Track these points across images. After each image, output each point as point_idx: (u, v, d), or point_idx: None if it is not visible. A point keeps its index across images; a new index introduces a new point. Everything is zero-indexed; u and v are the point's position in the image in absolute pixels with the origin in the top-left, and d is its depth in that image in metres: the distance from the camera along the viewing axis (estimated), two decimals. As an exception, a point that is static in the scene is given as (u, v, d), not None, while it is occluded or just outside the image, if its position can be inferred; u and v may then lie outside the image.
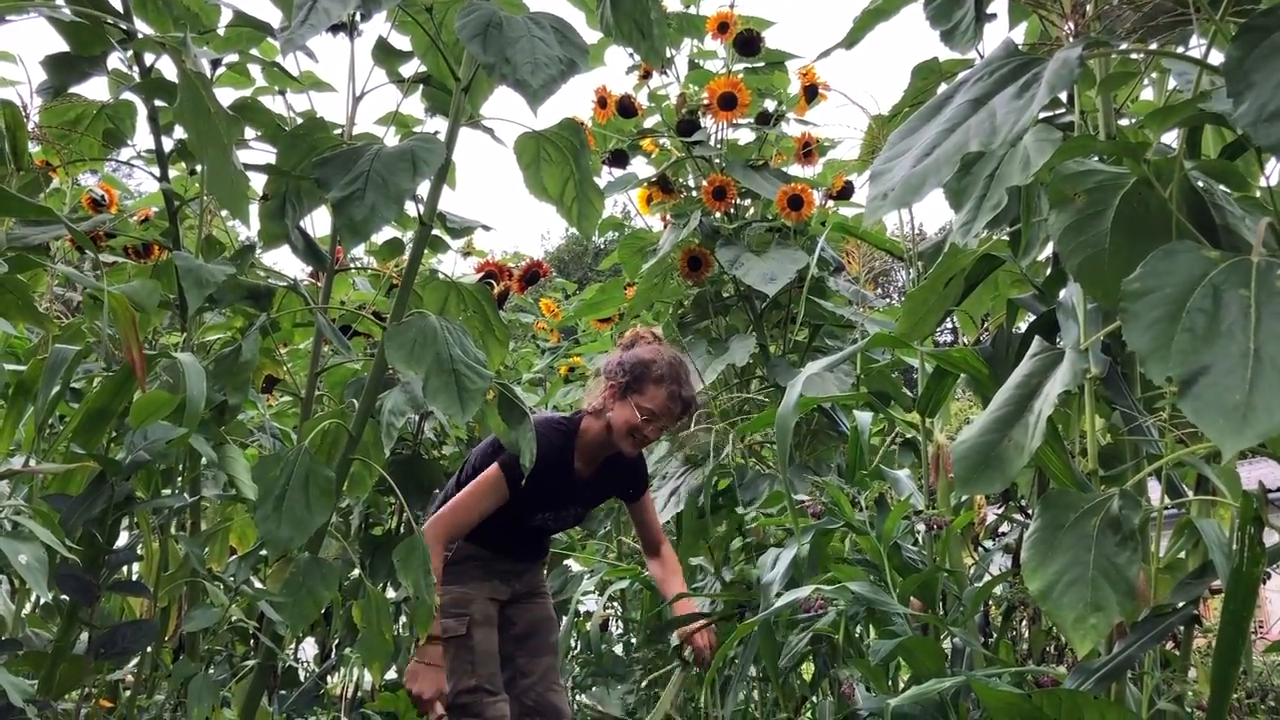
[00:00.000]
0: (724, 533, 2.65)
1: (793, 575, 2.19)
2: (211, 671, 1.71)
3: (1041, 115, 1.85)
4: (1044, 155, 1.69)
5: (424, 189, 2.11)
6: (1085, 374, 1.31)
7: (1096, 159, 1.53)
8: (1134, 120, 2.30)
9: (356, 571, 4.31)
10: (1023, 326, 2.07)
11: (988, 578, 2.17)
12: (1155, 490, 1.82)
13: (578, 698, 3.97)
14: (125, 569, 1.56)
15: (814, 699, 2.81)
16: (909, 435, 2.97)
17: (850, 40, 2.04)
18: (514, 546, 2.80)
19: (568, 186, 2.24)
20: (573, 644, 4.55)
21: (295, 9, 1.81)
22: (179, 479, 1.84)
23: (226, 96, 2.36)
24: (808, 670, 2.71)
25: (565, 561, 4.44)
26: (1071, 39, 1.68)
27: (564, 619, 4.73)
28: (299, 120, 2.52)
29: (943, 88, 2.40)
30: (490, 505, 2.60)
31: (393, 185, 1.78)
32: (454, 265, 5.01)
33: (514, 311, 5.85)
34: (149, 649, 1.63)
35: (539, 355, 5.93)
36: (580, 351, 4.90)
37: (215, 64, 2.03)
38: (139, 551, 1.71)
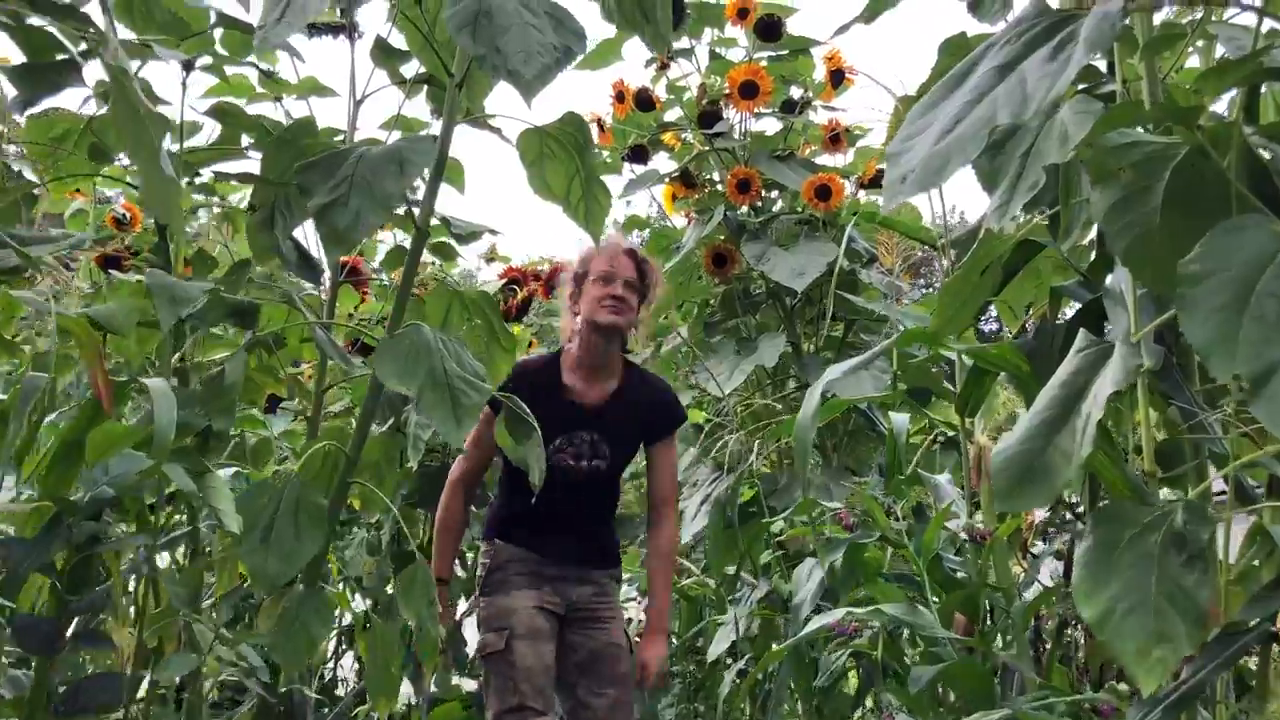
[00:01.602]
0: (753, 544, 2.50)
1: (829, 587, 2.05)
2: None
3: (1080, 86, 1.69)
4: (1084, 128, 1.53)
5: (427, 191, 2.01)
6: (1138, 370, 1.16)
7: (1142, 130, 1.38)
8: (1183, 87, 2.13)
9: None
10: (1069, 314, 1.92)
11: (1037, 587, 2.02)
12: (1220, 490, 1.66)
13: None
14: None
15: (858, 715, 2.67)
16: (950, 434, 2.81)
17: (870, 13, 1.89)
18: (555, 516, 2.58)
19: (573, 184, 2.11)
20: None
21: (271, 5, 1.70)
22: (167, 511, 1.74)
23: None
24: (851, 683, 2.56)
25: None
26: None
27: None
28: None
29: (971, 59, 2.24)
30: (482, 430, 2.56)
31: (379, 189, 1.66)
32: (479, 270, 4.91)
33: (544, 316, 5.73)
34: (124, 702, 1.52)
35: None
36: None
37: (188, 66, 1.92)
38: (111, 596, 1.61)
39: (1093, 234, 2.06)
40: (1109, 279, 1.72)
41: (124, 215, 2.68)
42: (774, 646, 2.88)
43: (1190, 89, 1.57)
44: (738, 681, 2.72)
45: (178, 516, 2.00)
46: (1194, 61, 2.43)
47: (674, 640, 3.61)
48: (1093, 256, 1.94)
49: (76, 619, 1.38)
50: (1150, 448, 1.47)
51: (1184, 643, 1.05)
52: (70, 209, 2.62)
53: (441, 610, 2.58)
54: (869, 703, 2.37)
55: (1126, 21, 1.01)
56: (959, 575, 1.90)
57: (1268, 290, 0.92)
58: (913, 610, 1.53)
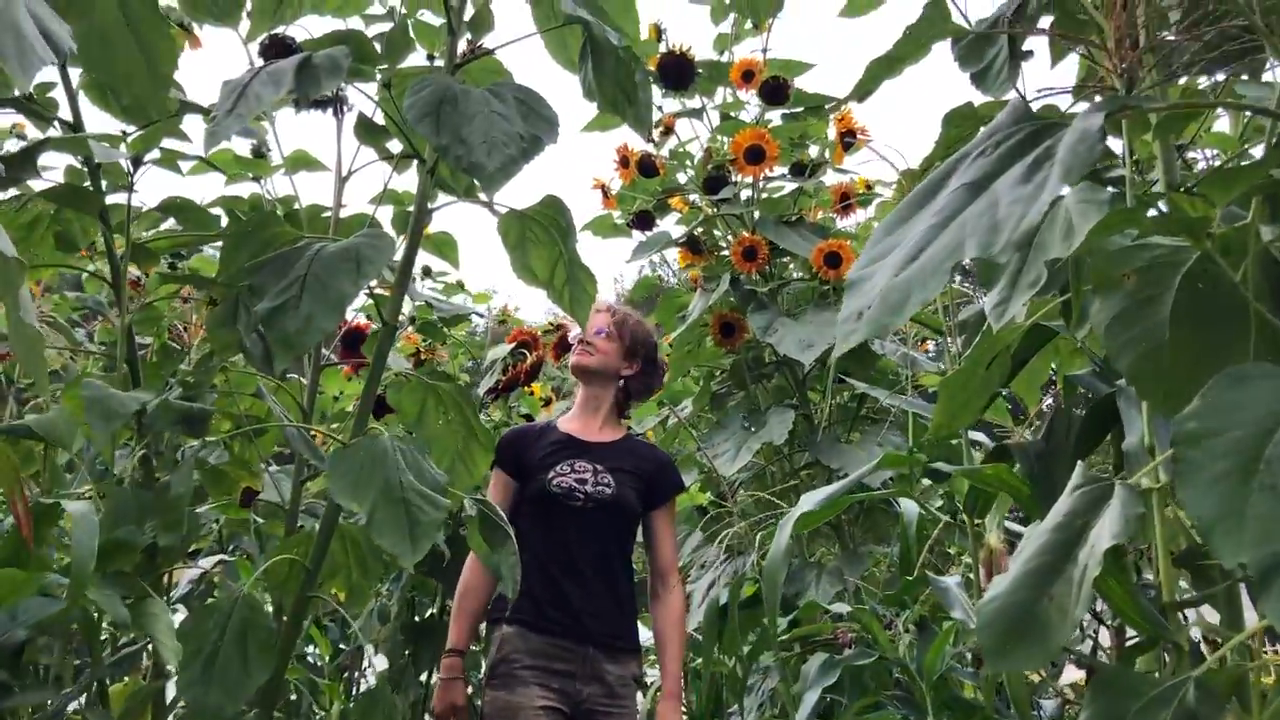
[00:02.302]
0: (755, 647, 2.35)
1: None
2: None
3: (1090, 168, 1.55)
4: (1089, 221, 1.39)
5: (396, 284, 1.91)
6: (1139, 520, 1.02)
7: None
8: (1215, 159, 2.00)
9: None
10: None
11: (1055, 704, 1.87)
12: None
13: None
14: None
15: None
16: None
17: (860, 92, 1.77)
18: (562, 573, 2.51)
19: (557, 269, 2.00)
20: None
21: (224, 97, 1.62)
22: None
23: (205, 183, 2.19)
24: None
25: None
26: (1118, 79, 1.40)
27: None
28: (295, 205, 2.35)
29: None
30: (499, 494, 2.60)
31: (333, 290, 1.57)
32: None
33: (559, 370, 5.65)
34: None
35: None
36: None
37: (136, 162, 1.84)
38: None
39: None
40: (1125, 374, 1.58)
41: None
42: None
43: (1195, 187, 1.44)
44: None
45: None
46: (1223, 125, 2.28)
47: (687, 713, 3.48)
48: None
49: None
50: (1168, 577, 1.32)
51: None
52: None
53: (452, 681, 2.55)
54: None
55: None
56: (967, 693, 1.76)
57: (1278, 455, 0.79)
58: (908, 755, 1.39)
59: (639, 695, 2.80)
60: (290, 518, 2.18)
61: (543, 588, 2.49)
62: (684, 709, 3.64)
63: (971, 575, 2.02)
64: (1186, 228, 1.09)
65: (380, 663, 4.20)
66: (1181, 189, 1.34)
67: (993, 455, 1.73)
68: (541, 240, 2.00)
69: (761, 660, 2.69)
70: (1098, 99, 1.04)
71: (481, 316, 2.59)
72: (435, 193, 1.92)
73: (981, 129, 1.25)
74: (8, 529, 1.40)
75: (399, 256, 1.84)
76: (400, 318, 2.48)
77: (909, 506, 2.21)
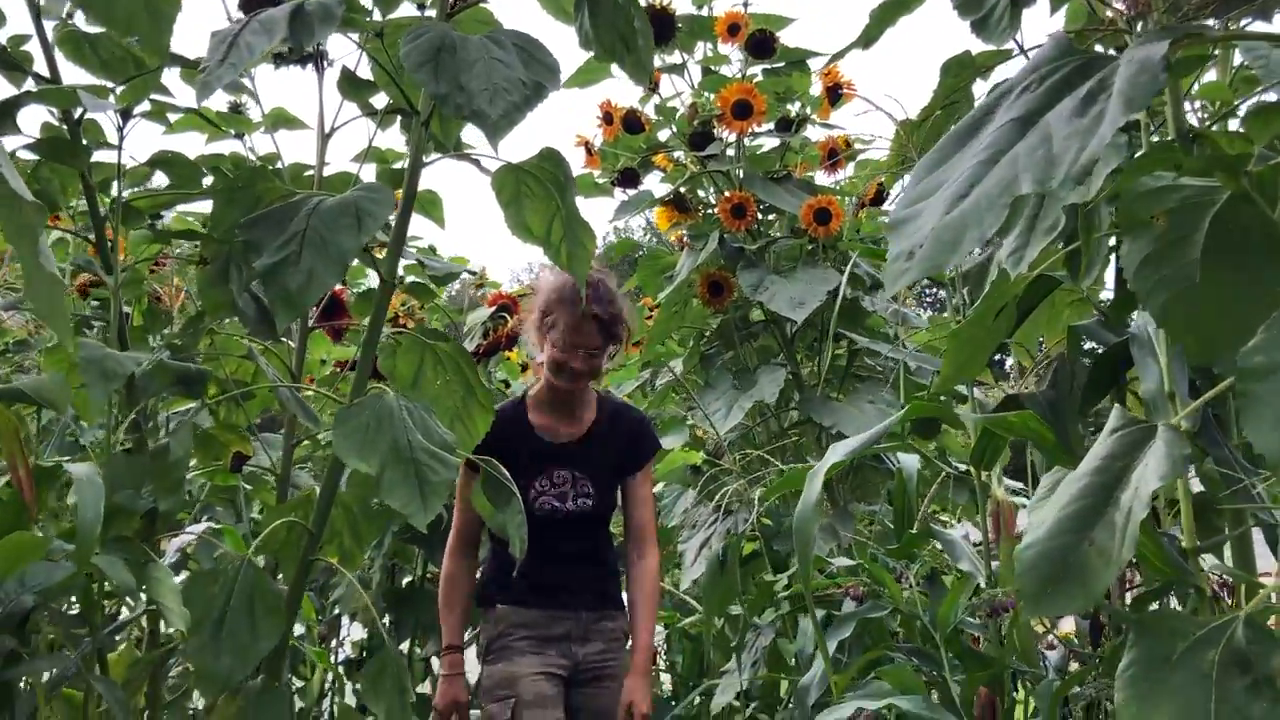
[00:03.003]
0: (754, 600, 2.35)
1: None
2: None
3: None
4: (1107, 167, 1.39)
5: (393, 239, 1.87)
6: (1185, 461, 1.01)
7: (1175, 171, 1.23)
8: (1203, 110, 1.99)
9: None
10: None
11: (1060, 654, 1.87)
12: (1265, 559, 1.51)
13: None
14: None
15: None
16: (963, 468, 2.66)
17: (866, 38, 1.74)
18: (544, 560, 2.44)
19: (554, 225, 1.95)
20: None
21: (214, 47, 1.56)
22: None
23: (184, 143, 2.13)
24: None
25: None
26: (1127, 22, 1.38)
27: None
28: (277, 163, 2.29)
29: (978, 87, 2.08)
30: (464, 490, 2.49)
31: (334, 246, 1.52)
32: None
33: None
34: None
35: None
36: (609, 378, 4.62)
37: (126, 115, 1.77)
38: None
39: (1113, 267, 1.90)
40: (1134, 320, 1.57)
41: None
42: (782, 689, 2.76)
43: (1218, 120, 1.43)
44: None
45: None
46: (1211, 75, 2.27)
47: (661, 679, 3.47)
48: (1113, 294, 1.80)
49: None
50: (1190, 520, 1.32)
51: (1253, 788, 0.90)
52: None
53: (454, 677, 2.52)
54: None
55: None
56: (979, 644, 1.76)
57: (1347, 388, 0.77)
58: (931, 705, 1.38)
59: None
60: (281, 482, 2.14)
61: (530, 571, 2.45)
62: (671, 669, 3.65)
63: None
64: (1225, 166, 1.07)
65: (357, 632, 4.17)
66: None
67: (1003, 405, 1.72)
68: (538, 195, 1.96)
69: (754, 620, 2.69)
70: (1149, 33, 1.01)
71: (473, 274, 2.54)
72: (429, 147, 1.87)
73: (999, 67, 1.22)
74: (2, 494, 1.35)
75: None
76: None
77: (908, 461, 2.20)
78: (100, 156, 1.77)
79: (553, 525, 2.51)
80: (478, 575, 2.68)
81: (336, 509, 1.97)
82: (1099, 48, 1.59)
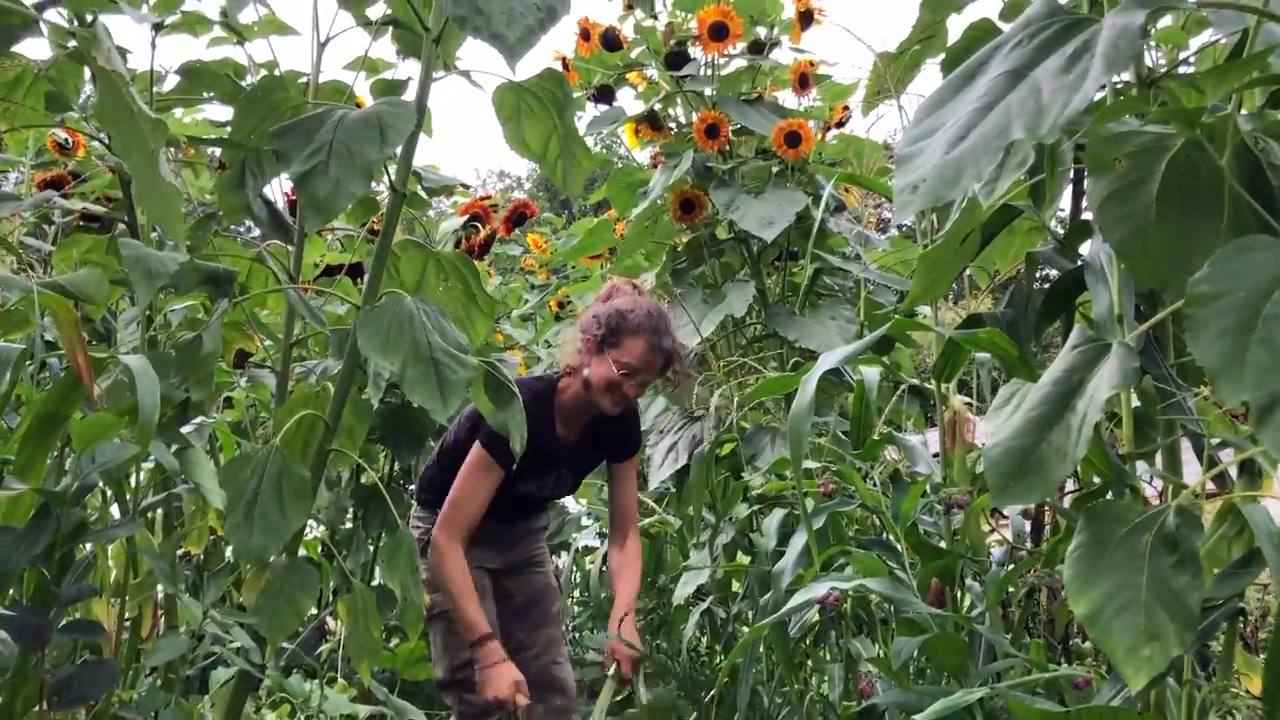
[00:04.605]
0: (728, 498, 2.52)
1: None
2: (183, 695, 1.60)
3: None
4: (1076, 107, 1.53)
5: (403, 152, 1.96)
6: (1136, 373, 1.17)
7: (1137, 119, 1.38)
8: (1160, 57, 2.13)
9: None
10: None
11: (1003, 551, 2.07)
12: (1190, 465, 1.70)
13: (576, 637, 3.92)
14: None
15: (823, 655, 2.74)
16: (915, 382, 2.85)
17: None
18: (504, 514, 2.66)
19: (551, 142, 2.07)
20: (574, 580, 4.49)
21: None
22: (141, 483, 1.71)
23: (182, 49, 2.18)
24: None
25: (561, 501, 4.36)
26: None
27: (564, 555, 4.64)
28: (262, 72, 2.35)
29: (953, 21, 2.20)
30: (489, 487, 2.48)
31: (359, 157, 1.62)
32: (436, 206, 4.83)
33: (499, 244, 5.68)
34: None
35: (529, 290, 5.78)
36: (571, 289, 4.75)
37: (157, 28, 1.84)
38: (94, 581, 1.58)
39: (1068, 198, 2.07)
40: (1087, 248, 1.73)
41: (66, 140, 2.59)
42: (734, 587, 2.96)
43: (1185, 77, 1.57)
44: (703, 622, 2.79)
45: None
46: (1166, 20, 2.42)
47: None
48: (1068, 224, 1.96)
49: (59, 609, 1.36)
50: (1130, 429, 1.50)
51: (1173, 642, 1.08)
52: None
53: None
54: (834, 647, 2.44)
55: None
56: (933, 541, 1.94)
57: (1274, 314, 0.93)
58: (896, 585, 1.56)
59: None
60: (280, 379, 2.25)
61: (481, 524, 2.58)
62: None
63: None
64: (1183, 116, 1.21)
65: (317, 530, 4.29)
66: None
67: (967, 323, 1.89)
68: (536, 113, 2.06)
69: (708, 518, 2.87)
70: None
71: (467, 186, 2.63)
72: (439, 62, 1.95)
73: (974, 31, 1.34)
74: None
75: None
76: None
77: (870, 373, 2.37)
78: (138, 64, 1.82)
79: (520, 500, 2.67)
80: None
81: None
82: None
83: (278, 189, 2.12)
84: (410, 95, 1.92)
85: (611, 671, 2.53)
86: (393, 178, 1.86)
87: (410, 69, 2.65)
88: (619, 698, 2.59)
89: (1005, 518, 2.19)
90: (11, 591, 1.47)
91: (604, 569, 3.00)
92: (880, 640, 2.14)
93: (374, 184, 2.69)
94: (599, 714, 2.36)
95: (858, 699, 1.85)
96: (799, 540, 1.86)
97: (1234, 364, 0.93)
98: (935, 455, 2.11)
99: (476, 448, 2.45)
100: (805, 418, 1.36)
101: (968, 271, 2.51)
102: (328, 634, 3.78)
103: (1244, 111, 1.38)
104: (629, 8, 3.32)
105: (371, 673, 1.81)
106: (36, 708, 1.34)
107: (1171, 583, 1.10)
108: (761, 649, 2.57)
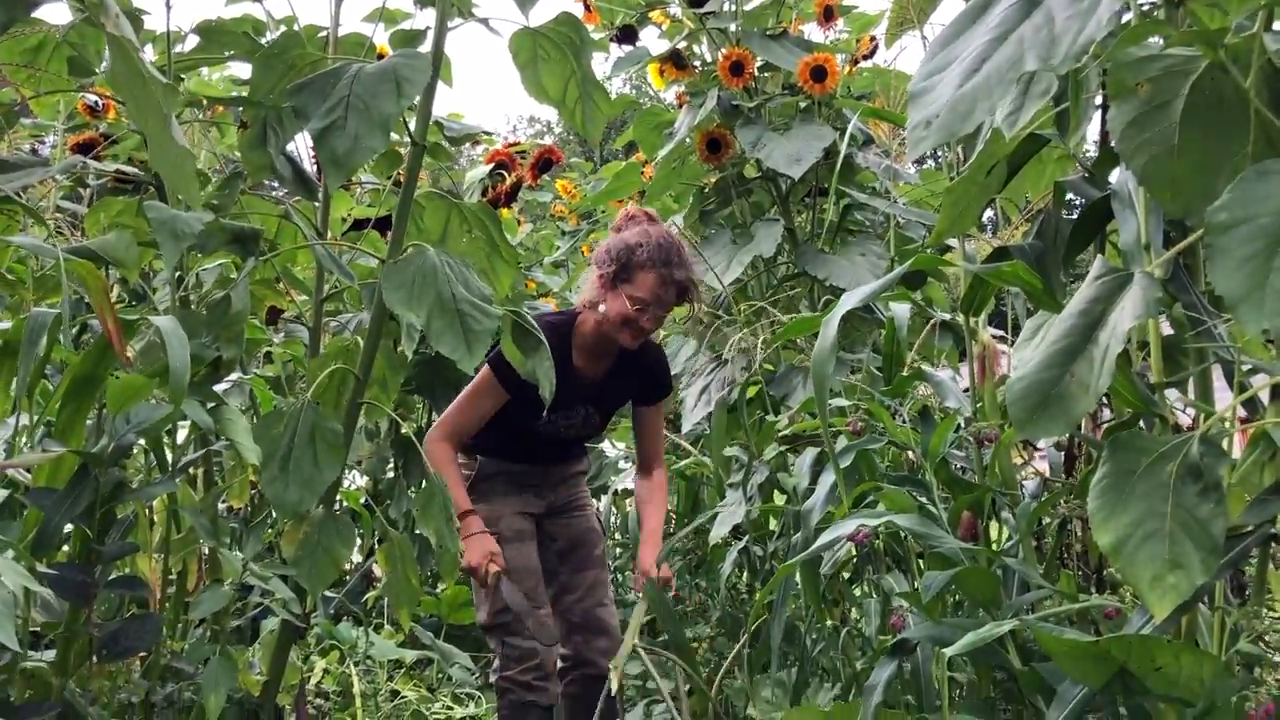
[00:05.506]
0: (759, 438, 2.53)
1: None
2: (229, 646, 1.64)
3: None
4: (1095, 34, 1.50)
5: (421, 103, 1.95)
6: (1158, 303, 1.16)
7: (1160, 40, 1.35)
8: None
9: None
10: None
11: (1036, 483, 2.06)
12: (1223, 393, 1.68)
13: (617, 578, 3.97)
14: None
15: (857, 591, 2.77)
16: (947, 317, 2.83)
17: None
18: (535, 454, 2.68)
19: (569, 87, 2.06)
20: (614, 522, 4.54)
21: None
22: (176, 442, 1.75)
23: (203, 6, 2.19)
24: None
25: (600, 445, 4.39)
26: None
27: (603, 499, 4.69)
28: (281, 28, 2.35)
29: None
30: (488, 405, 2.52)
31: (376, 111, 1.62)
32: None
33: (529, 191, 5.67)
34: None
35: (560, 237, 5.78)
36: (602, 235, 4.74)
37: (171, -14, 1.84)
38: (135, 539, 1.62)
39: (1096, 126, 2.02)
40: (1115, 176, 1.70)
41: (97, 102, 2.60)
42: (771, 525, 2.98)
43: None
44: (740, 560, 2.83)
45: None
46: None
47: (670, 520, 3.71)
48: (1097, 152, 1.92)
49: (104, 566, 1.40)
50: (1159, 359, 1.48)
51: (1197, 571, 1.08)
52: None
53: (480, 534, 2.46)
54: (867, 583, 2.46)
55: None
56: (964, 475, 1.95)
57: (1298, 239, 0.92)
58: (924, 521, 1.57)
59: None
60: (313, 333, 2.28)
61: (512, 454, 2.66)
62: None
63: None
64: (1205, 38, 1.19)
65: (359, 481, 4.36)
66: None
67: (994, 256, 1.87)
68: (553, 58, 2.05)
69: (741, 458, 2.89)
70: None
71: (490, 134, 2.63)
72: (453, 10, 1.94)
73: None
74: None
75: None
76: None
77: (900, 309, 2.35)
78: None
79: (548, 438, 2.67)
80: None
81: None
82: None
83: (303, 146, 2.11)
84: (427, 45, 1.92)
85: (643, 591, 2.57)
86: (412, 130, 1.86)
87: (428, 18, 2.64)
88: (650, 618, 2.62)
89: (1040, 450, 2.18)
90: (65, 549, 1.53)
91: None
92: (915, 575, 2.15)
93: (396, 136, 2.70)
94: (632, 633, 2.39)
95: (891, 633, 1.86)
96: (828, 478, 1.86)
97: (1255, 292, 0.92)
98: (966, 390, 2.10)
99: (484, 367, 2.48)
100: (828, 359, 1.36)
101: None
102: (374, 581, 3.86)
103: (1273, 28, 1.34)
104: (648, -55, 3.27)
105: (419, 617, 1.85)
106: (88, 661, 1.39)
107: (1196, 512, 1.10)
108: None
